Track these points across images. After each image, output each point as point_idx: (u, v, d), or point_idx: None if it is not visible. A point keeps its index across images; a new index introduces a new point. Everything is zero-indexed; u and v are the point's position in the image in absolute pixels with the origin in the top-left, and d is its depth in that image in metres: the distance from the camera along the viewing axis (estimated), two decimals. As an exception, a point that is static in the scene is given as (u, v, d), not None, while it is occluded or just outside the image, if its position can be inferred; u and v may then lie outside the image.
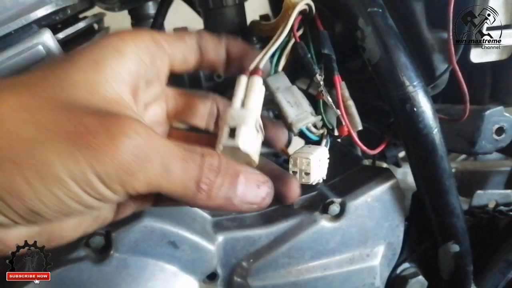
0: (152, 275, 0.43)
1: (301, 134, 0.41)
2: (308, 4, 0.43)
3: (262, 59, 0.39)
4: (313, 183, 0.39)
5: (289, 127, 0.41)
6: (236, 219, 0.51)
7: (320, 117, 0.40)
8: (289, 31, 0.41)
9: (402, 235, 0.53)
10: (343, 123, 0.40)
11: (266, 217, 0.50)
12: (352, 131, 0.43)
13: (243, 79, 0.38)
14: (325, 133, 0.42)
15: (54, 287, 0.41)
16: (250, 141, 0.36)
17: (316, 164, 0.38)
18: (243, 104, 0.37)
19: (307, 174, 0.37)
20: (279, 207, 0.51)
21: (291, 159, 0.38)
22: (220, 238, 0.48)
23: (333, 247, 0.50)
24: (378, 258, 0.52)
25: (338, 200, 0.49)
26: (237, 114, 0.36)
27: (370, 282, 0.52)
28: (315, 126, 0.41)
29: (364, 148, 0.46)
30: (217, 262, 0.48)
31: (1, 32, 0.39)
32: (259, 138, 0.38)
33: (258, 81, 0.38)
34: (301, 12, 0.42)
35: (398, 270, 0.55)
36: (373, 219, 0.51)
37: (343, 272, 0.50)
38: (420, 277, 0.55)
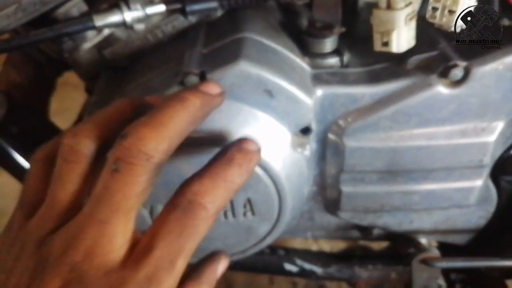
0: (245, 121, 0.41)
1: None
2: None
3: None
4: (452, 28, 0.32)
5: None
6: (338, 73, 0.46)
7: None
8: None
9: (529, 113, 0.45)
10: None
11: (373, 75, 0.45)
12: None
13: None
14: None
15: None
16: (404, 38, 0.39)
17: (466, 2, 0.30)
18: (389, 1, 0.38)
19: (452, 12, 0.30)
20: (389, 66, 0.45)
21: None
22: (319, 92, 0.44)
23: (445, 116, 0.44)
24: (494, 134, 0.45)
25: (463, 63, 0.42)
26: (385, 18, 0.39)
27: (478, 158, 0.47)
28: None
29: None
30: (313, 117, 0.45)
31: None
32: (411, 26, 0.39)
33: None
34: None
35: (513, 150, 0.49)
36: (500, 91, 0.43)
37: (450, 144, 0.45)
38: (538, 161, 0.49)
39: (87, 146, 0.31)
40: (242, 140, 0.34)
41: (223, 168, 0.31)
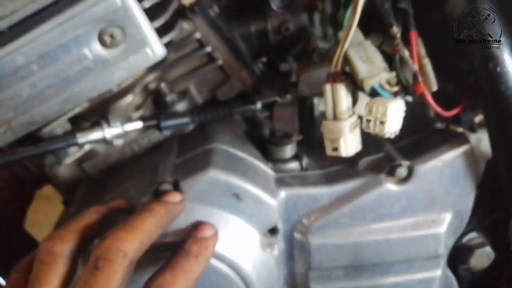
0: (216, 224, 0.44)
1: (373, 92, 0.40)
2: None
3: (339, 60, 0.39)
4: (386, 135, 0.38)
5: (360, 84, 0.40)
6: (298, 176, 0.51)
7: (393, 73, 0.39)
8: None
9: (471, 204, 0.51)
10: (420, 80, 0.39)
11: (330, 177, 0.50)
12: (426, 92, 0.41)
13: (327, 89, 0.42)
14: (400, 91, 0.40)
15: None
16: (350, 144, 0.43)
17: (393, 114, 0.37)
18: (334, 113, 0.42)
19: (382, 123, 0.37)
20: (343, 168, 0.51)
21: (367, 106, 0.38)
22: (283, 194, 0.48)
23: (397, 211, 0.49)
24: (444, 225, 0.50)
25: (406, 163, 0.48)
26: (332, 127, 0.43)
27: (434, 249, 0.50)
28: (388, 83, 0.40)
29: (439, 109, 0.44)
30: (278, 217, 0.48)
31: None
32: (356, 133, 0.44)
33: (341, 88, 0.41)
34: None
35: (465, 239, 0.53)
36: (442, 185, 0.49)
37: (406, 236, 0.49)
38: (488, 248, 0.53)
39: (62, 248, 0.35)
40: (197, 228, 0.41)
41: (182, 261, 0.37)
